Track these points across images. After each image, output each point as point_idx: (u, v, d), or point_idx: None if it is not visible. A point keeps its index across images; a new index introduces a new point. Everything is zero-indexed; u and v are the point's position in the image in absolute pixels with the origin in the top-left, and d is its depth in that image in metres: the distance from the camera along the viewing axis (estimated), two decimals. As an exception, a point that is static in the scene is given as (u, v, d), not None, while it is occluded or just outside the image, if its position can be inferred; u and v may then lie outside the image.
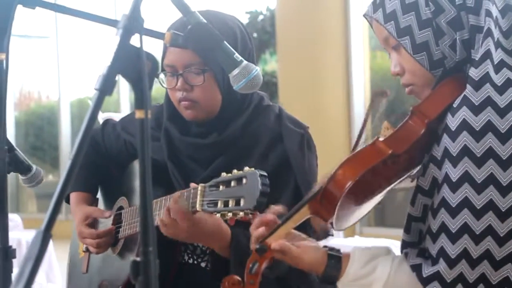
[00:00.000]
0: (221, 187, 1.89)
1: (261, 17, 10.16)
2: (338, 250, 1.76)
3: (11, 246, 1.67)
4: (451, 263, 1.63)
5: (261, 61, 10.34)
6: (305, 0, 8.07)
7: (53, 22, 11.43)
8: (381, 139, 1.70)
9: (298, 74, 8.15)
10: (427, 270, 1.66)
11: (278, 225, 1.74)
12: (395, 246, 1.85)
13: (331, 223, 1.73)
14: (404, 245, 1.76)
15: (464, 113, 1.65)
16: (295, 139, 2.19)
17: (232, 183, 1.87)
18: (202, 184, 1.94)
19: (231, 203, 1.85)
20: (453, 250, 1.63)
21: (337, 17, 8.05)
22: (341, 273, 1.72)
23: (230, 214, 1.86)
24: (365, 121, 1.80)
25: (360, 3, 8.10)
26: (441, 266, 1.64)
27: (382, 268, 1.72)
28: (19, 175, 2.15)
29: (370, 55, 8.49)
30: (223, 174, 1.90)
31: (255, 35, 10.08)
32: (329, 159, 1.79)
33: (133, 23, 1.23)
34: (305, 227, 1.85)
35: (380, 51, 8.93)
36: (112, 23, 1.74)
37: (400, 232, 1.78)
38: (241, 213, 1.85)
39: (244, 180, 1.84)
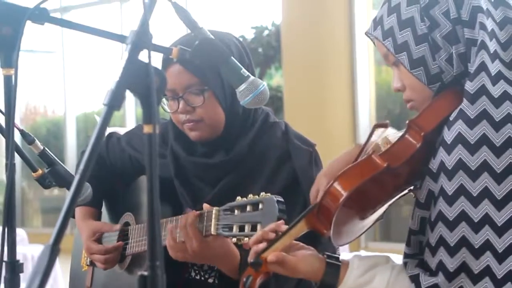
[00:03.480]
0: (236, 211, 1.88)
1: (266, 32, 10.18)
2: (337, 258, 1.76)
3: (18, 261, 1.67)
4: (450, 276, 1.63)
5: (266, 76, 10.35)
6: (310, 15, 8.09)
7: (59, 37, 11.47)
8: (377, 153, 1.71)
9: (304, 89, 8.16)
10: (425, 282, 1.66)
11: (274, 239, 1.74)
12: (400, 261, 1.85)
13: (329, 238, 1.74)
14: (405, 257, 1.76)
15: (460, 126, 1.65)
16: (304, 157, 2.18)
17: (248, 208, 1.86)
18: (217, 208, 1.93)
19: (247, 228, 1.85)
20: (451, 264, 1.63)
21: (342, 32, 8.07)
22: (339, 281, 1.72)
23: (246, 239, 1.86)
24: (362, 148, 1.81)
25: (365, 18, 8.13)
26: (440, 279, 1.64)
27: (381, 277, 1.72)
28: (66, 190, 2.14)
29: (375, 70, 8.50)
30: (238, 198, 1.90)
31: (260, 50, 10.09)
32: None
33: (141, 39, 1.24)
34: (315, 244, 1.85)
35: (385, 66, 8.94)
36: (118, 38, 1.76)
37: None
38: None
39: (260, 206, 1.84)
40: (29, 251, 6.65)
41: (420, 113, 1.74)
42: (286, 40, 8.42)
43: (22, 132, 2.03)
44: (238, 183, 1.96)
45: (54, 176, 2.05)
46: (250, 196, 1.87)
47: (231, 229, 1.87)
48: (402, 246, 1.79)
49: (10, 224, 1.62)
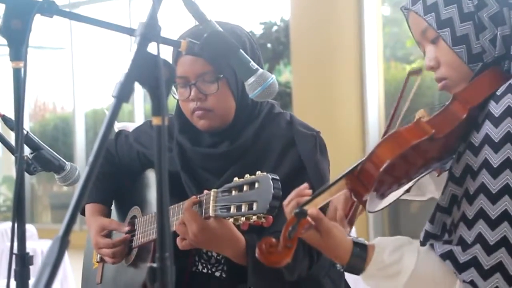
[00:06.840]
0: (233, 192, 1.90)
1: (275, 27, 10.17)
2: (363, 240, 1.74)
3: (28, 253, 1.68)
4: (490, 249, 1.63)
5: (275, 71, 10.34)
6: (319, 11, 8.09)
7: (68, 34, 11.49)
8: (424, 120, 1.70)
9: (312, 85, 8.16)
10: (463, 257, 1.65)
11: (315, 194, 1.72)
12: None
13: (364, 202, 1.72)
14: (427, 236, 1.75)
15: (509, 100, 1.66)
16: (308, 141, 2.19)
17: (245, 188, 1.87)
18: (215, 190, 1.94)
19: (244, 208, 1.86)
20: (492, 237, 1.63)
21: (351, 28, 8.06)
22: (367, 261, 1.70)
23: (243, 219, 1.87)
24: (399, 99, 1.81)
25: (375, 14, 8.12)
26: (478, 251, 1.64)
27: (409, 256, 1.71)
28: (55, 174, 2.14)
29: (384, 66, 8.49)
30: (235, 179, 1.91)
31: (269, 45, 10.09)
32: (342, 168, 1.78)
33: (150, 31, 1.24)
34: None
35: (394, 62, 8.93)
36: (127, 31, 1.76)
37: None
38: (254, 217, 1.85)
39: (256, 184, 1.85)
40: (38, 247, 6.68)
41: (466, 87, 1.74)
42: (295, 36, 8.42)
43: (3, 118, 2.03)
44: (244, 172, 1.97)
45: (38, 161, 2.04)
46: (247, 176, 1.88)
47: (228, 209, 1.88)
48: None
49: (20, 216, 1.62)
